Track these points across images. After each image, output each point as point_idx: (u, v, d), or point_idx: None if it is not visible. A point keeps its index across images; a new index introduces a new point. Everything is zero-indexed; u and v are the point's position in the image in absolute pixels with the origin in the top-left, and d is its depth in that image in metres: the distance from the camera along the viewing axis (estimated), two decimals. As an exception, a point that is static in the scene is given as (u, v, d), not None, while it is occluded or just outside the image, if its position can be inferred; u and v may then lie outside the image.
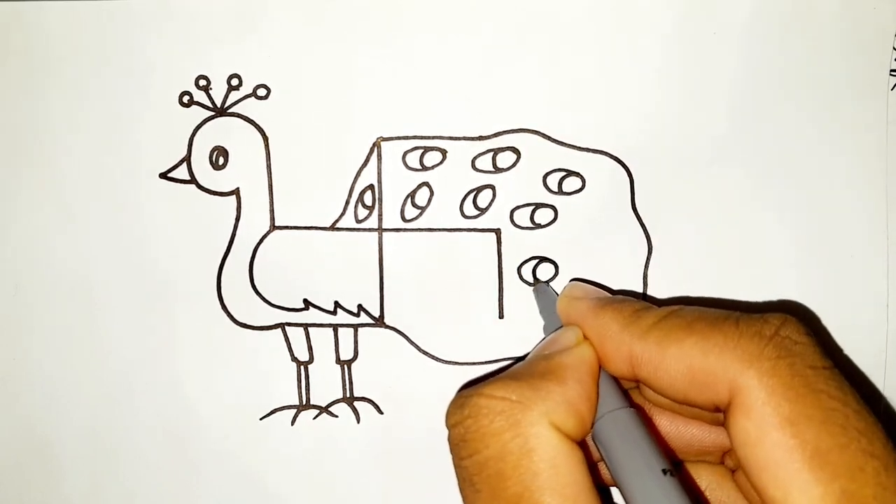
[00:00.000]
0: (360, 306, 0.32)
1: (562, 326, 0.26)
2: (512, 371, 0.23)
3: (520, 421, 0.21)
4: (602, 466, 0.26)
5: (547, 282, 0.32)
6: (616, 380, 0.24)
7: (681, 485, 0.21)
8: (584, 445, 0.22)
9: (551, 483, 0.20)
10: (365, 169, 0.32)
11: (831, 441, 0.19)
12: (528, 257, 0.32)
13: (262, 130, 0.32)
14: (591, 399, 0.23)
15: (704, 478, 0.26)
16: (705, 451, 0.26)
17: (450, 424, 0.22)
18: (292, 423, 0.33)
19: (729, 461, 0.26)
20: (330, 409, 0.33)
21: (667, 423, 0.26)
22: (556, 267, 0.32)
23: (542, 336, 0.28)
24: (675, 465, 0.27)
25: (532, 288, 0.32)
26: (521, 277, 0.32)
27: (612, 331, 0.23)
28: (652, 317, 0.23)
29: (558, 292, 0.30)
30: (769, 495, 0.19)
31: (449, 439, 0.22)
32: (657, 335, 0.22)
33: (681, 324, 0.22)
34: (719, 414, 0.22)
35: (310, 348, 0.33)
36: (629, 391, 0.26)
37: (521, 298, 0.32)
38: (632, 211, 0.32)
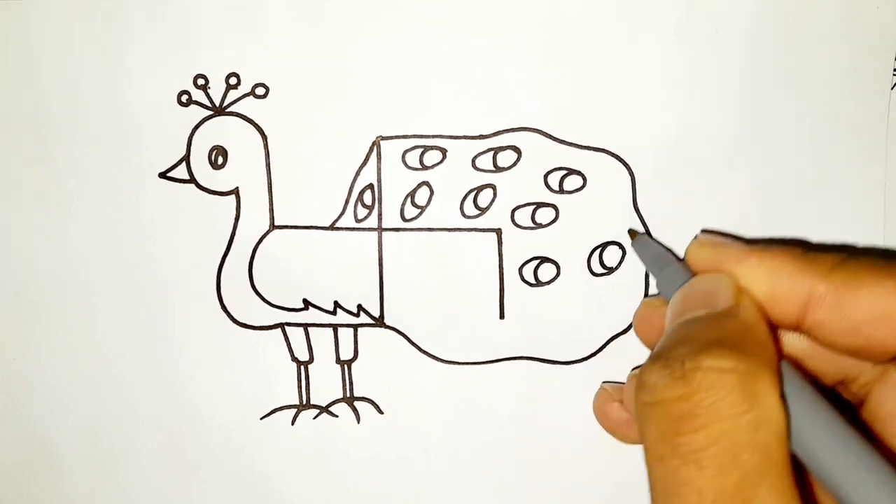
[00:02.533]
0: (359, 306, 0.32)
1: (693, 276, 0.25)
2: (706, 335, 0.21)
3: (755, 393, 0.20)
4: None
5: (643, 233, 0.30)
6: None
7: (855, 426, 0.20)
8: None
9: (784, 455, 0.19)
10: (364, 168, 0.32)
11: None
12: (529, 258, 0.32)
13: (261, 129, 0.32)
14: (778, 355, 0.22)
15: None
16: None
17: (669, 397, 0.20)
18: (292, 423, 0.33)
19: (856, 389, 0.25)
20: (330, 408, 0.33)
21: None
22: (558, 267, 0.32)
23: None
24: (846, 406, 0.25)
25: (631, 242, 0.30)
26: (522, 278, 0.32)
27: (787, 272, 0.22)
28: (831, 258, 0.22)
29: (660, 242, 0.29)
30: None
31: (659, 414, 0.20)
32: (843, 275, 0.21)
33: (868, 265, 0.21)
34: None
35: (310, 348, 0.33)
36: None
37: (522, 299, 0.32)
38: (633, 210, 0.32)
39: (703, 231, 0.31)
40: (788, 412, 0.21)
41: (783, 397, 0.21)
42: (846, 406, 0.25)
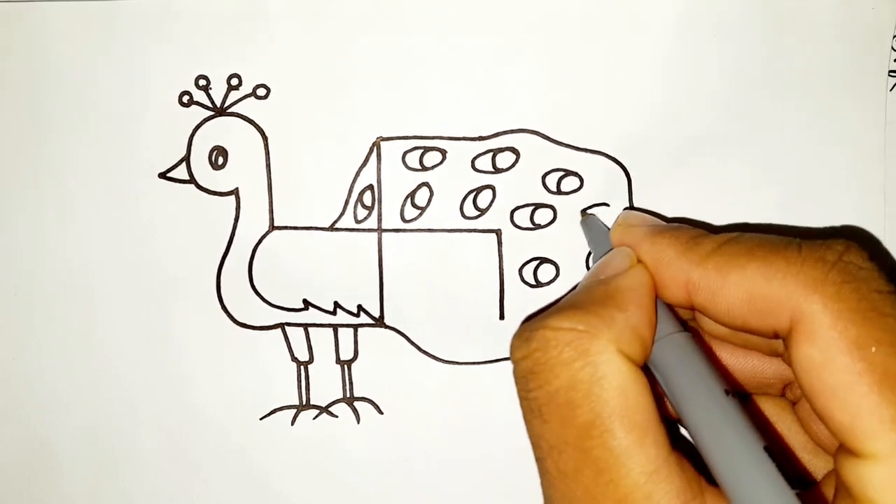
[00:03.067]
0: (359, 306, 0.33)
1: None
2: (571, 300, 0.23)
3: (588, 349, 0.21)
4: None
5: (593, 214, 0.31)
6: (670, 306, 0.24)
7: (742, 406, 0.20)
8: (646, 370, 0.22)
9: (621, 410, 0.20)
10: (364, 169, 0.32)
11: None
12: (528, 258, 0.32)
13: (262, 130, 0.32)
14: (652, 322, 0.22)
15: (765, 410, 0.26)
16: (765, 384, 0.25)
17: (516, 358, 0.22)
18: (292, 423, 0.33)
19: (790, 393, 0.26)
20: (330, 409, 0.33)
21: (726, 356, 0.26)
22: (557, 267, 0.32)
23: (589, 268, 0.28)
24: (742, 396, 0.26)
25: (580, 220, 0.31)
26: (521, 278, 0.32)
27: (669, 257, 0.23)
28: (710, 243, 0.22)
29: (607, 225, 0.30)
30: (836, 420, 0.19)
31: (514, 373, 0.22)
32: (717, 261, 0.22)
33: (741, 250, 0.22)
34: (777, 344, 0.22)
35: (310, 348, 0.33)
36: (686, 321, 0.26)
37: (522, 299, 0.32)
38: (630, 210, 0.32)
39: (627, 209, 0.31)
40: (660, 374, 0.22)
41: (652, 355, 0.22)
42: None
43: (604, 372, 0.20)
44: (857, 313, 0.19)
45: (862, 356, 0.19)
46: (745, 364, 0.25)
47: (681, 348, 0.22)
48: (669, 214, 0.32)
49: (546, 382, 0.21)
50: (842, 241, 0.21)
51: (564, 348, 0.21)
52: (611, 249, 0.26)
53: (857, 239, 0.23)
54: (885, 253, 0.32)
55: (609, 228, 0.28)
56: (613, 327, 0.21)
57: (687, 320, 0.26)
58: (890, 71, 0.31)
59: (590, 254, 0.32)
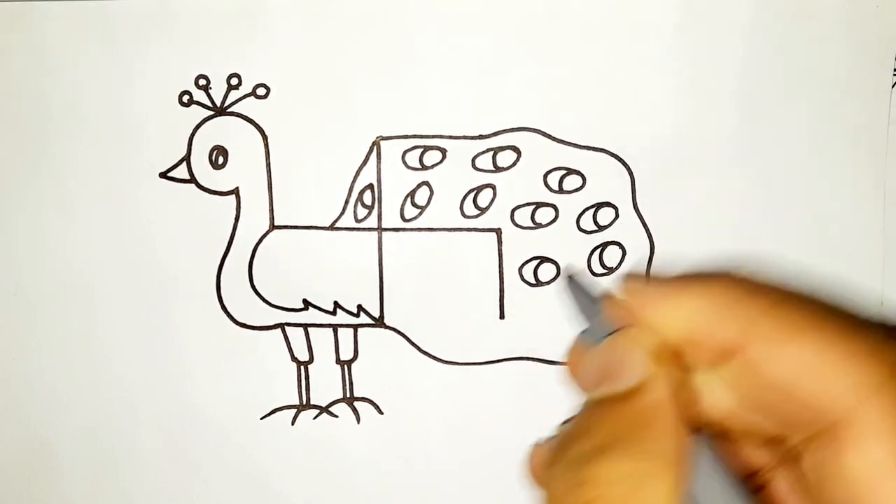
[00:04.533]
0: (359, 306, 0.32)
1: (613, 331, 0.23)
2: (611, 430, 0.20)
3: (647, 499, 0.18)
4: None
5: (580, 271, 0.30)
6: None
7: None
8: None
9: None
10: (364, 168, 0.32)
11: None
12: (529, 257, 0.32)
13: (262, 130, 0.32)
14: (686, 437, 0.20)
15: None
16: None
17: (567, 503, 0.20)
18: (292, 423, 0.33)
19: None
20: (330, 408, 0.33)
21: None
22: (558, 267, 0.32)
23: (585, 338, 0.25)
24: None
25: (564, 282, 0.28)
26: (522, 278, 0.32)
27: (714, 314, 0.20)
28: (763, 301, 0.20)
29: (595, 289, 0.28)
30: None
31: None
32: (771, 324, 0.19)
33: (799, 315, 0.19)
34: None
35: (310, 348, 0.33)
36: None
37: (522, 298, 0.32)
38: (633, 210, 0.32)
39: (629, 275, 0.29)
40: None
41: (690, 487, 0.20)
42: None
43: None
44: None
45: None
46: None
47: (701, 452, 0.20)
48: (673, 212, 0.32)
49: None
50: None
51: (625, 498, 0.18)
52: (607, 323, 0.23)
53: None
54: None
55: (591, 294, 0.25)
56: (672, 463, 0.19)
57: None
58: (894, 70, 0.31)
59: (568, 277, 0.28)
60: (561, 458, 0.20)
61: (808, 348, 0.19)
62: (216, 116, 0.32)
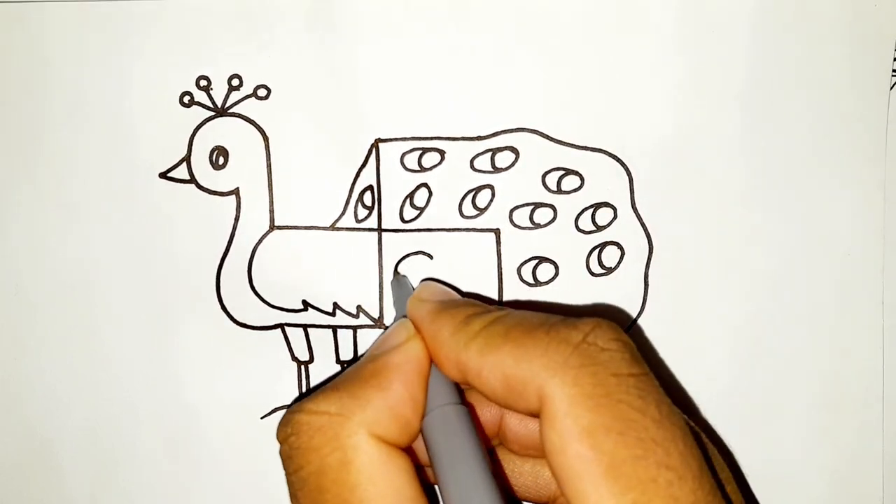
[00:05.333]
0: (359, 307, 0.32)
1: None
2: (338, 378, 0.23)
3: (338, 434, 0.21)
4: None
5: (405, 276, 0.32)
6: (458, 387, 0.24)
7: (494, 480, 0.21)
8: (411, 452, 0.22)
9: (369, 495, 0.20)
10: (364, 170, 0.32)
11: (626, 452, 0.19)
12: (527, 257, 0.32)
13: (263, 130, 0.32)
14: (417, 400, 0.23)
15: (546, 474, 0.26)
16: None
17: (279, 440, 0.22)
18: (292, 424, 0.33)
19: None
20: (329, 409, 0.33)
21: (516, 422, 0.26)
22: (556, 267, 0.32)
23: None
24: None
25: (391, 280, 0.32)
26: (520, 278, 0.32)
27: (443, 337, 0.23)
28: (479, 323, 0.23)
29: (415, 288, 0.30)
30: None
31: (280, 454, 0.22)
32: (479, 343, 0.22)
33: (500, 331, 0.22)
34: None
35: (310, 348, 0.33)
36: (468, 391, 0.26)
37: (522, 299, 0.32)
38: (632, 210, 0.32)
39: (425, 280, 0.32)
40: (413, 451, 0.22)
41: (423, 426, 0.22)
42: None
43: (351, 457, 0.21)
44: (590, 399, 0.19)
45: (592, 444, 0.19)
46: (532, 429, 0.26)
47: (447, 422, 0.22)
48: (671, 213, 0.32)
49: (299, 468, 0.21)
50: (591, 320, 0.22)
51: (315, 434, 0.21)
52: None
53: (613, 317, 0.24)
54: (640, 334, 0.32)
55: (404, 294, 0.29)
56: (367, 409, 0.21)
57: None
58: (893, 70, 0.31)
59: (394, 278, 0.32)
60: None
61: (507, 349, 0.21)
62: (217, 117, 0.32)
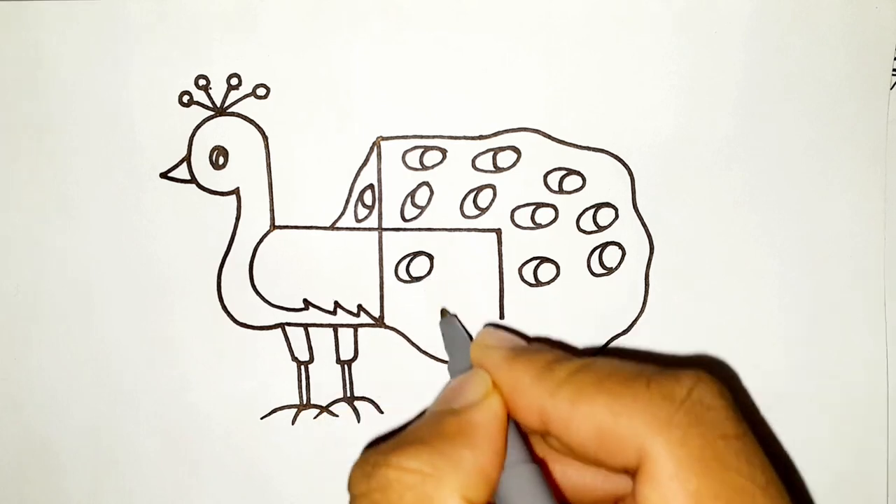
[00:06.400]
0: (359, 306, 0.32)
1: (470, 368, 0.25)
2: (419, 432, 0.22)
3: (431, 497, 0.20)
4: None
5: (454, 315, 0.31)
6: (520, 429, 0.24)
7: None
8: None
9: None
10: (365, 168, 0.32)
11: None
12: (528, 257, 0.32)
13: (262, 130, 0.32)
14: (501, 460, 0.22)
15: None
16: (610, 500, 0.25)
17: (355, 493, 0.21)
18: (293, 423, 0.33)
19: None
20: (330, 408, 0.33)
21: (573, 473, 0.25)
22: (557, 267, 0.32)
23: (450, 375, 0.27)
24: None
25: (439, 321, 0.31)
26: (521, 278, 0.32)
27: (524, 384, 0.22)
28: (564, 370, 0.22)
29: (468, 331, 0.30)
30: None
31: None
32: (568, 391, 0.21)
33: (592, 380, 0.21)
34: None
35: (310, 348, 0.33)
36: (537, 437, 0.25)
37: (522, 299, 0.32)
38: (633, 210, 0.32)
39: (488, 325, 0.31)
40: None
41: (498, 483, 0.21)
42: None
43: None
44: (699, 462, 0.19)
45: None
46: (592, 481, 0.25)
47: (524, 482, 0.22)
48: (673, 213, 0.32)
49: None
50: (693, 374, 0.21)
51: (406, 493, 0.20)
52: (468, 367, 0.25)
53: (712, 370, 0.23)
54: (739, 387, 0.32)
55: (469, 336, 0.28)
56: (461, 471, 0.20)
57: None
58: (893, 70, 0.31)
59: (443, 318, 0.31)
60: (376, 449, 0.21)
61: (602, 401, 0.20)
62: (216, 117, 0.32)
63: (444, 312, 0.31)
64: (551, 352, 0.23)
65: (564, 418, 0.21)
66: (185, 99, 0.32)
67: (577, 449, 0.21)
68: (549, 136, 0.31)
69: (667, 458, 0.19)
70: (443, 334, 0.30)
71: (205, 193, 0.32)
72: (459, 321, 0.31)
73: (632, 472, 0.20)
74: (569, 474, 0.25)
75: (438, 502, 0.20)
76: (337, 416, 0.33)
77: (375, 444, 0.26)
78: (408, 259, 0.32)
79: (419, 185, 0.32)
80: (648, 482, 0.19)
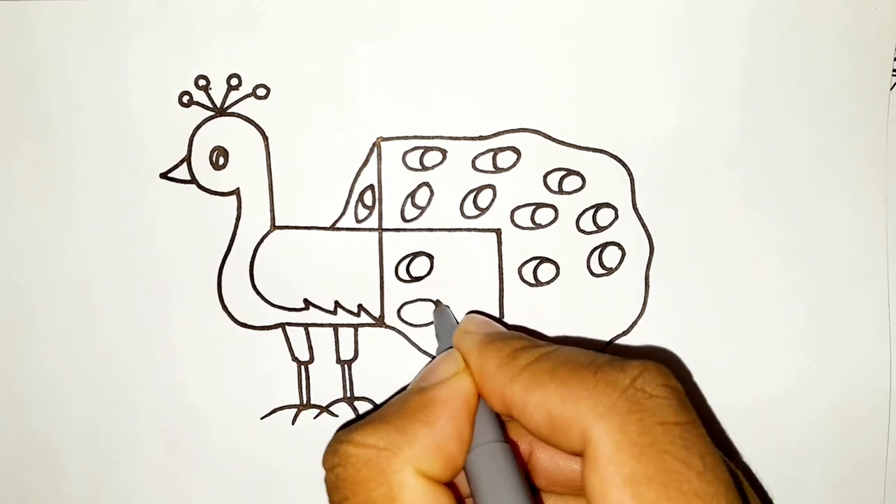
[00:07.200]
0: (360, 306, 0.32)
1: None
2: (385, 409, 0.23)
3: (385, 469, 0.21)
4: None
5: (447, 306, 0.32)
6: (496, 412, 0.24)
7: None
8: (452, 485, 0.22)
9: None
10: (365, 169, 0.32)
11: None
12: (528, 258, 0.32)
13: (262, 130, 0.32)
14: (463, 436, 0.23)
15: None
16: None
17: (326, 469, 0.23)
18: (293, 423, 0.33)
19: None
20: (330, 408, 0.33)
21: (546, 457, 0.26)
22: (557, 267, 0.32)
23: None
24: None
25: (433, 311, 0.32)
26: (521, 278, 0.32)
27: (490, 370, 0.23)
28: (525, 358, 0.23)
29: (458, 319, 0.31)
30: None
31: (325, 482, 0.23)
32: (525, 378, 0.22)
33: (547, 368, 0.22)
34: None
35: (310, 348, 0.33)
36: (508, 423, 0.26)
37: (522, 299, 0.32)
38: (633, 210, 0.32)
39: (470, 312, 0.32)
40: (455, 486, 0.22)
41: (466, 462, 0.22)
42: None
43: (396, 493, 0.21)
44: (635, 447, 0.20)
45: (634, 493, 0.19)
46: (565, 466, 0.26)
47: (491, 459, 0.22)
48: (673, 213, 0.32)
49: (345, 499, 0.21)
50: (639, 364, 0.21)
51: (362, 467, 0.21)
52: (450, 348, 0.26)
53: (665, 361, 0.24)
54: (689, 379, 0.32)
55: (448, 324, 0.29)
56: (415, 445, 0.21)
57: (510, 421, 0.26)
58: (893, 70, 0.31)
59: (436, 308, 0.32)
60: (346, 429, 0.23)
61: (552, 388, 0.21)
62: (216, 117, 0.32)
63: (437, 303, 0.32)
64: (521, 339, 0.24)
65: (520, 403, 0.22)
66: (185, 99, 0.32)
67: (534, 433, 0.22)
68: (548, 137, 0.31)
69: (606, 443, 0.20)
70: (434, 323, 0.31)
71: (205, 194, 0.32)
72: (451, 312, 0.31)
73: (581, 456, 0.21)
74: (542, 458, 0.26)
75: (391, 475, 0.21)
76: (337, 416, 0.33)
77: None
78: (408, 259, 0.32)
79: (419, 186, 0.32)
80: (590, 465, 0.20)
